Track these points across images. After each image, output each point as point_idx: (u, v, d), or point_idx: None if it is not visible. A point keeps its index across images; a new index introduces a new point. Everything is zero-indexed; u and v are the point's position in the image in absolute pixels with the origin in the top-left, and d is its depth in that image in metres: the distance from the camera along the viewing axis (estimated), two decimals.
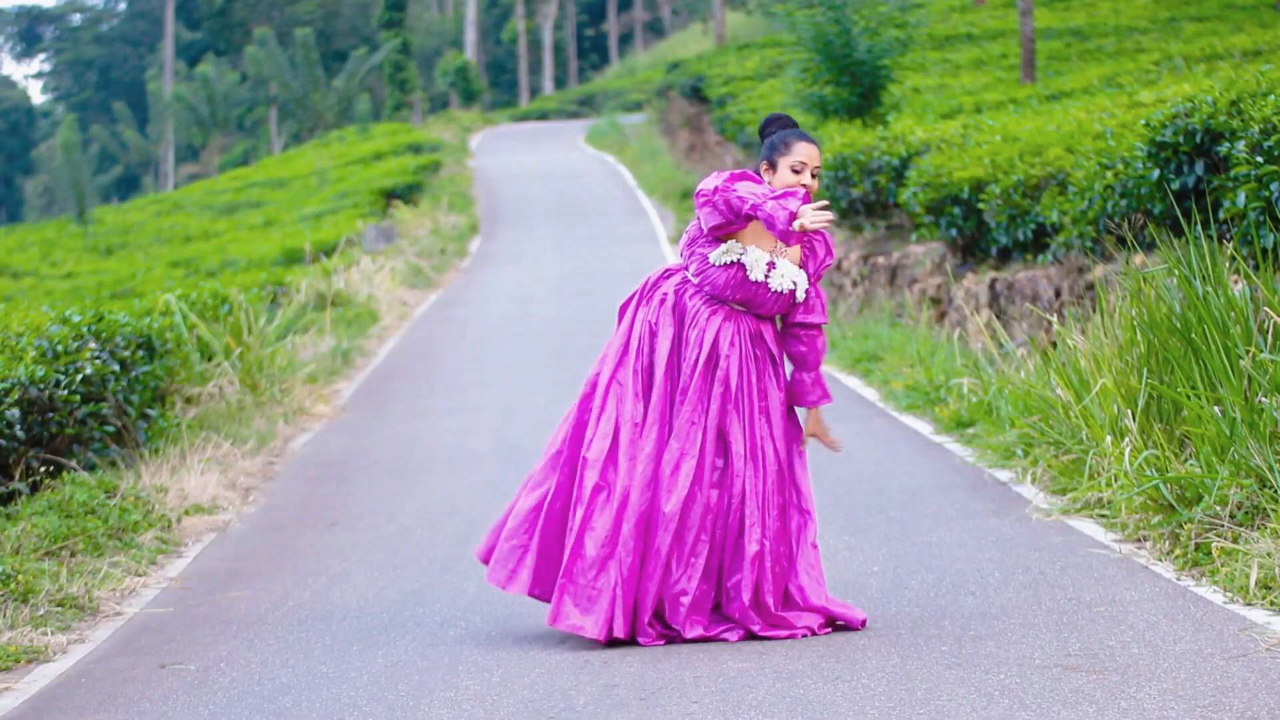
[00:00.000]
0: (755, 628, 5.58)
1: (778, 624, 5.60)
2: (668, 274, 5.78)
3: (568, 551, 5.57)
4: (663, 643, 5.59)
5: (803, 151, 5.61)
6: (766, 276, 5.61)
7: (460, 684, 5.31)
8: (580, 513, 5.56)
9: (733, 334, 5.63)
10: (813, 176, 5.63)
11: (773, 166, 5.64)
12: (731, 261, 5.61)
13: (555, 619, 5.59)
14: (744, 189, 5.51)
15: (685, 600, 5.56)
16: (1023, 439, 8.83)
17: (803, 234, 5.51)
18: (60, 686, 5.79)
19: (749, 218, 5.52)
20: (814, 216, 5.38)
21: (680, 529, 5.52)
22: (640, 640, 5.58)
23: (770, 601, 5.59)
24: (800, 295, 5.67)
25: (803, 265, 5.72)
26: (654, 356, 5.64)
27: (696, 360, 5.60)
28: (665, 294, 5.72)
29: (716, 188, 5.54)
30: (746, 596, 5.57)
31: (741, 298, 5.65)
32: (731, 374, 5.60)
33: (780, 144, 5.63)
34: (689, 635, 5.57)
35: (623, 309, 5.82)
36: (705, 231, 5.64)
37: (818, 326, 5.77)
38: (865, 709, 4.73)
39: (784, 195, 5.46)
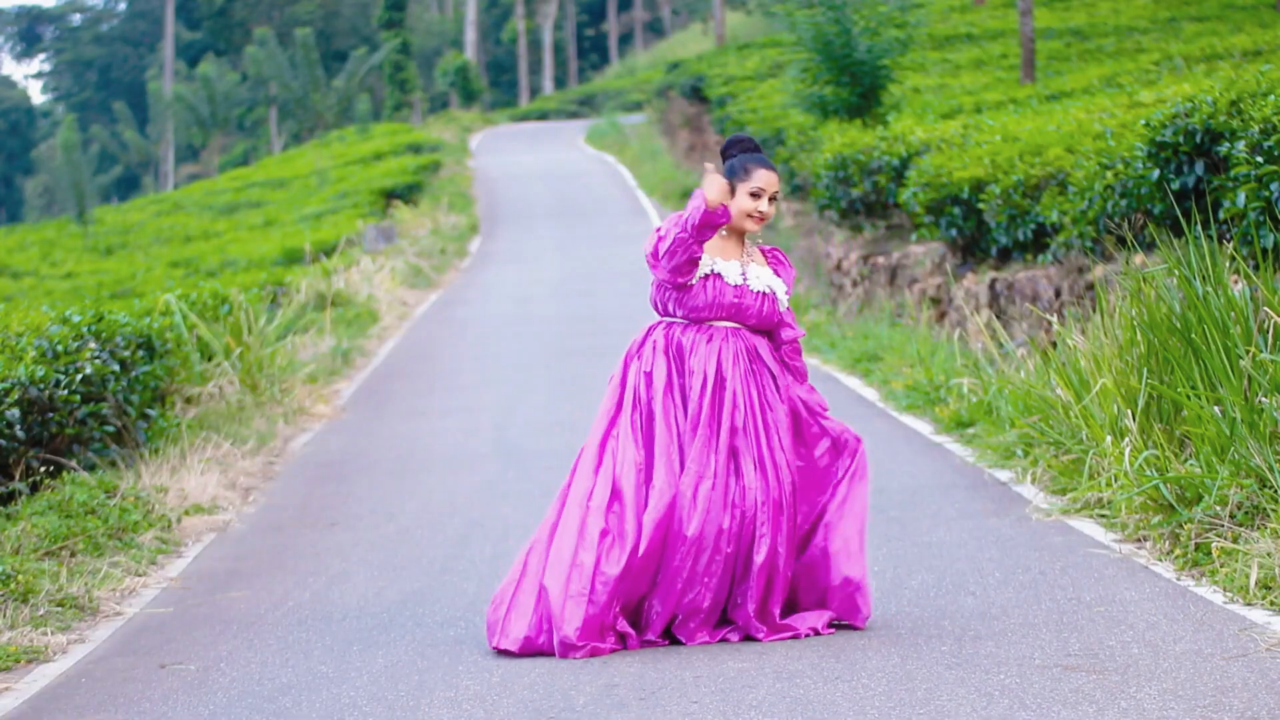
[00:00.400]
0: (760, 636, 5.62)
1: (782, 630, 5.65)
2: (650, 330, 5.88)
3: (584, 603, 5.52)
4: (664, 642, 5.62)
5: (761, 178, 5.76)
6: (745, 279, 5.75)
7: (460, 684, 5.31)
8: (589, 559, 5.55)
9: (734, 354, 5.74)
10: (770, 202, 5.77)
11: (731, 190, 5.73)
12: (708, 274, 5.73)
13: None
14: (663, 229, 5.66)
15: (697, 619, 5.62)
16: (1023, 439, 8.83)
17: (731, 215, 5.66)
18: (60, 686, 5.79)
19: (692, 231, 5.56)
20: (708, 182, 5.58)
21: (697, 551, 5.57)
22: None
23: (776, 611, 5.65)
24: (783, 301, 5.84)
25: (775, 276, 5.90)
26: (653, 405, 5.70)
27: (704, 387, 5.68)
28: (655, 341, 5.82)
29: (649, 254, 5.70)
30: (752, 607, 5.62)
31: (729, 309, 5.75)
32: (738, 393, 5.70)
33: (740, 169, 5.79)
34: (695, 643, 5.62)
35: (611, 379, 5.87)
36: (677, 283, 5.72)
37: (798, 340, 5.93)
38: (865, 709, 4.73)
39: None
